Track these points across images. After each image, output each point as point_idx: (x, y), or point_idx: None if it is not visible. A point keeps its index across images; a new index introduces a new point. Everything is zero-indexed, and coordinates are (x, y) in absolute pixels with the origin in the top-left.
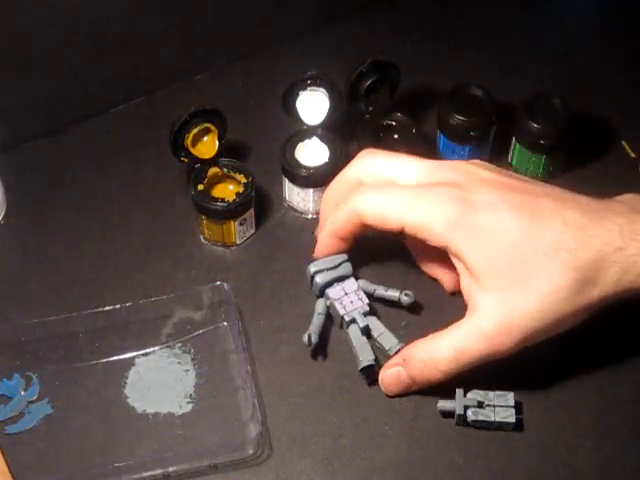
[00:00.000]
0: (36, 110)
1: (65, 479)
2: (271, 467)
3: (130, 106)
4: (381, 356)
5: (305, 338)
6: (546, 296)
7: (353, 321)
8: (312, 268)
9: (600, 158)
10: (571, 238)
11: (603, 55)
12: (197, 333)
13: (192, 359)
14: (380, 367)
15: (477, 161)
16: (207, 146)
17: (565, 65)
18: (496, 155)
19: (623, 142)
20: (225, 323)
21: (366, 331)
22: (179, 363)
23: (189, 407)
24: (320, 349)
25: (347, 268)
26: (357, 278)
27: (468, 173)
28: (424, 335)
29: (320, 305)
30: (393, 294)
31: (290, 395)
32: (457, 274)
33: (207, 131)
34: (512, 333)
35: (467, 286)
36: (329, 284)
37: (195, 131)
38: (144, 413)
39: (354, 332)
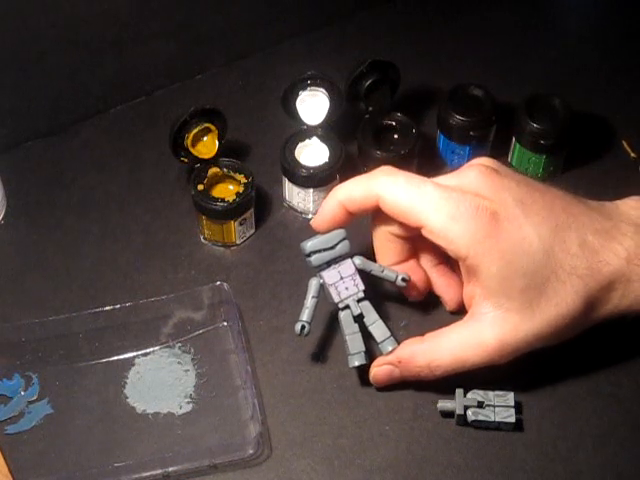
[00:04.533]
0: (36, 110)
1: (65, 479)
2: (271, 467)
3: (130, 106)
4: (372, 342)
5: (298, 327)
6: (552, 321)
7: (347, 307)
8: (307, 248)
9: (600, 158)
10: (584, 263)
11: (603, 55)
12: (197, 333)
13: (192, 359)
14: (370, 355)
15: (493, 162)
16: (207, 146)
17: (565, 65)
18: (496, 155)
19: (623, 142)
20: (225, 323)
21: (359, 319)
22: (179, 363)
23: (189, 407)
24: (320, 349)
25: (344, 248)
26: (353, 255)
27: (491, 179)
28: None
29: (314, 286)
30: (390, 275)
31: (290, 395)
32: (461, 294)
33: (207, 131)
34: (512, 350)
35: (473, 294)
36: (324, 266)
37: (195, 131)
38: (144, 413)
39: (346, 318)
